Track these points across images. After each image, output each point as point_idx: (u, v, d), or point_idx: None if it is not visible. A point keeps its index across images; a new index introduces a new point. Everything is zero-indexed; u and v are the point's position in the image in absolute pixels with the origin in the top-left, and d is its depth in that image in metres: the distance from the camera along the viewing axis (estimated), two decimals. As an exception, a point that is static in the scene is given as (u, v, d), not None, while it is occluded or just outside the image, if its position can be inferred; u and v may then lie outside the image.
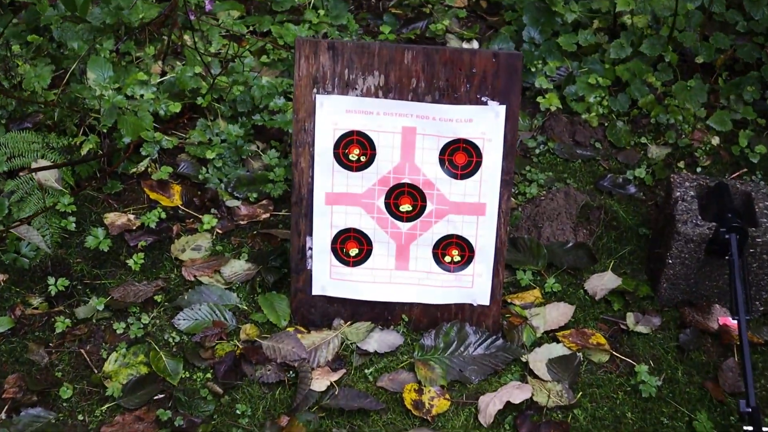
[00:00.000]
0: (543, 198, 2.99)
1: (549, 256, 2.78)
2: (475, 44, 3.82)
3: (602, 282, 2.70)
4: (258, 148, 3.18)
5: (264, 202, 3.01)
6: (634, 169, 3.17)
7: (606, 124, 3.37)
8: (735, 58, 3.63)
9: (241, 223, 2.92)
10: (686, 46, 3.57)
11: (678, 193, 2.65)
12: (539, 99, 3.37)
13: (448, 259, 2.50)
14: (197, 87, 3.20)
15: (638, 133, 3.34)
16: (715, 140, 3.28)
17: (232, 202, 2.98)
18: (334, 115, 2.40)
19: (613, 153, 3.27)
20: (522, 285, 2.71)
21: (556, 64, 3.55)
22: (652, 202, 3.04)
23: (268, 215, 2.95)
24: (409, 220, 2.47)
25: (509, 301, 2.65)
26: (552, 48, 3.60)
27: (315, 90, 2.39)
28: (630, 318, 2.59)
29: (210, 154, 3.06)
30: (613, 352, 2.50)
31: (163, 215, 2.83)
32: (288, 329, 2.53)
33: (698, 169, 3.17)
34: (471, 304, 2.54)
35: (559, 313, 2.59)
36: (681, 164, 3.19)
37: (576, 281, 2.74)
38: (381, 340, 2.51)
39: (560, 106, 3.38)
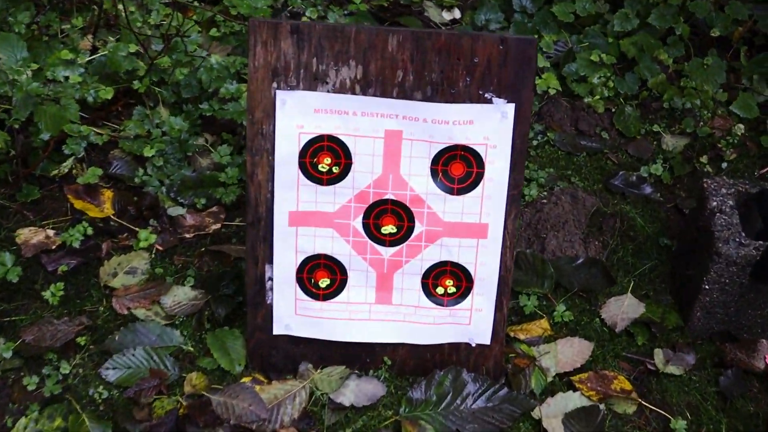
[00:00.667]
0: (545, 201, 2.52)
1: (556, 275, 2.33)
2: (456, 13, 3.32)
3: (622, 309, 2.25)
4: (207, 142, 2.68)
5: (214, 209, 2.51)
6: (648, 164, 2.71)
7: (613, 110, 2.91)
8: (755, 31, 3.18)
9: (187, 236, 2.42)
10: (699, 16, 3.11)
11: (714, 203, 2.20)
12: (535, 80, 2.89)
13: (440, 290, 2.03)
14: (133, 68, 2.68)
15: (650, 120, 2.89)
16: (740, 128, 2.83)
17: (175, 210, 2.48)
18: (299, 115, 1.90)
19: (623, 144, 2.81)
20: (526, 313, 2.26)
21: (553, 37, 3.07)
22: (672, 204, 2.59)
23: (219, 226, 2.46)
24: (392, 244, 2.00)
25: (512, 334, 2.19)
26: (547, 18, 3.12)
27: (275, 84, 1.89)
28: (658, 356, 2.15)
29: (149, 151, 2.55)
30: (642, 401, 2.05)
31: (90, 231, 2.32)
32: (244, 379, 2.05)
33: (724, 165, 2.72)
34: (468, 344, 2.08)
35: (573, 352, 2.14)
36: (704, 159, 2.74)
37: (590, 307, 2.29)
38: (359, 390, 2.05)
39: (559, 89, 2.91)
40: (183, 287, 2.24)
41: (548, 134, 2.78)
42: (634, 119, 2.85)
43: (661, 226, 2.50)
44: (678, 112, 2.90)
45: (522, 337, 2.19)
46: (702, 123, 2.85)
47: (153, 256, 2.34)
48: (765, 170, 2.72)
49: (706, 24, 3.17)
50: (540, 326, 2.22)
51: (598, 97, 2.90)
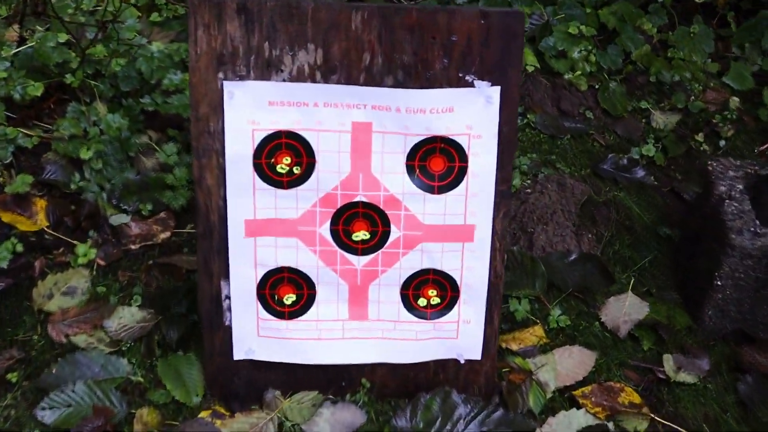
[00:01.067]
0: (530, 191, 2.28)
1: (548, 273, 2.09)
2: (421, -13, 3.05)
3: (624, 310, 2.01)
4: (151, 140, 2.40)
5: (162, 215, 2.24)
6: (639, 145, 2.48)
7: (597, 87, 2.67)
8: (742, -6, 2.96)
9: (132, 247, 2.15)
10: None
11: (722, 188, 1.96)
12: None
13: (422, 302, 1.78)
14: (65, 60, 2.39)
15: (636, 96, 2.65)
16: (734, 101, 2.61)
17: (118, 219, 2.20)
18: (251, 109, 1.64)
19: (609, 124, 2.58)
20: (518, 319, 2.02)
21: (527, 10, 2.82)
22: (668, 188, 2.36)
23: (168, 234, 2.19)
24: (365, 252, 1.74)
25: (503, 345, 1.95)
26: (519, -11, 2.87)
27: (221, 74, 1.62)
28: (668, 362, 1.92)
29: (85, 153, 2.27)
30: (654, 416, 1.82)
31: (20, 247, 2.04)
32: (202, 413, 1.79)
33: (722, 143, 2.49)
34: (456, 361, 1.83)
35: (574, 363, 1.90)
36: (699, 137, 2.51)
37: (587, 309, 2.06)
38: (334, 419, 1.79)
39: (537, 65, 2.67)
40: (129, 307, 1.97)
41: (528, 116, 2.54)
42: (620, 96, 2.62)
43: (658, 213, 2.27)
44: (666, 86, 2.67)
45: (515, 347, 1.95)
46: (693, 97, 2.63)
47: (94, 272, 2.07)
48: (765, 146, 2.50)
49: (689, -10, 2.95)
50: (534, 334, 1.98)
51: (579, 73, 2.66)
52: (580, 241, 2.19)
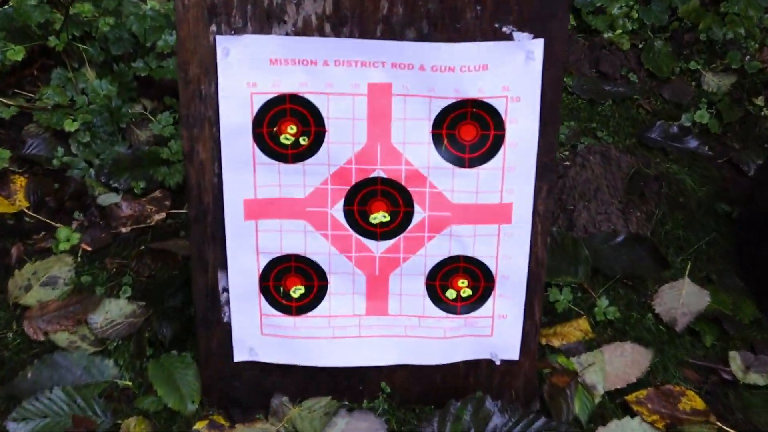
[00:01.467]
0: (569, 164, 2.02)
1: (592, 258, 1.83)
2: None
3: (681, 300, 1.76)
4: (145, 110, 2.15)
5: (157, 194, 2.00)
6: (691, 111, 2.21)
7: (640, 46, 2.40)
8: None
9: (123, 231, 1.91)
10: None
11: (795, 159, 1.70)
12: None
13: (451, 294, 1.54)
14: (47, 21, 2.15)
15: (684, 56, 2.38)
16: (796, 61, 2.33)
17: (107, 198, 1.97)
18: (249, 69, 1.39)
19: (655, 87, 2.31)
20: (558, 311, 1.77)
21: (561, -38, 2.54)
22: (725, 158, 2.10)
23: (163, 215, 1.95)
24: (385, 236, 1.49)
25: (543, 341, 1.70)
26: (552, -60, 2.59)
27: (213, 27, 1.37)
28: (735, 360, 1.66)
29: (71, 125, 2.03)
30: (722, 425, 1.57)
31: (-6, 232, 1.81)
32: (198, 424, 1.55)
33: (784, 107, 2.22)
34: (491, 362, 1.59)
35: (625, 362, 1.65)
36: (759, 101, 2.24)
37: (638, 298, 1.80)
38: (350, 429, 1.55)
39: (573, 23, 2.40)
40: (117, 300, 1.74)
41: (564, 79, 2.27)
42: (666, 56, 2.35)
43: (715, 187, 2.00)
44: (718, 44, 2.39)
45: (556, 344, 1.70)
46: (749, 57, 2.35)
47: (79, 259, 1.83)
48: (832, 111, 2.23)
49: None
50: (578, 328, 1.73)
51: (620, 31, 2.39)
52: (628, 221, 1.93)
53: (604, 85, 2.28)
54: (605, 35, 2.39)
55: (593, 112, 2.21)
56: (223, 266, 1.51)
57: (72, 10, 2.22)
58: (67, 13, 2.08)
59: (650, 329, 1.73)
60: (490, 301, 1.54)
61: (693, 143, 2.12)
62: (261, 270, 1.51)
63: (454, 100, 1.40)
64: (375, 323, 1.55)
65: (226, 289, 1.53)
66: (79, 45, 2.18)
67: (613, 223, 1.92)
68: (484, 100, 1.40)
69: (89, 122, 2.06)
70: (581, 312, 1.77)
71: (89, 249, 1.87)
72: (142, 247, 1.86)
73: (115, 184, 1.99)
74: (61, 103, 2.10)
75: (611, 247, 1.87)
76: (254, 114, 1.41)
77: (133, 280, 1.80)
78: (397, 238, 1.49)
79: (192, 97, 1.41)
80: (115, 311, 1.72)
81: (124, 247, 1.88)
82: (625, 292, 1.81)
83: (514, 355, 1.58)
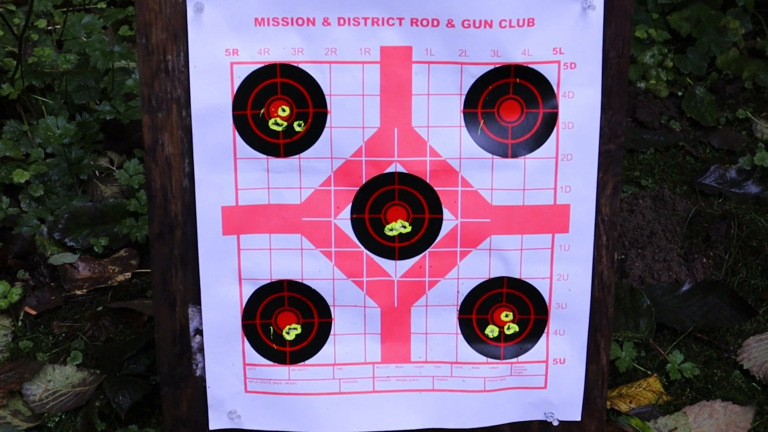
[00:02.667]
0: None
1: (656, 310, 1.48)
2: None
3: (773, 352, 1.40)
4: (111, 163, 1.84)
5: (122, 253, 1.66)
6: (747, 156, 1.91)
7: (680, 94, 2.12)
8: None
9: (78, 293, 1.56)
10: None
11: None
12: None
13: (492, 331, 1.18)
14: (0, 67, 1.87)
15: (729, 105, 2.10)
16: None
17: (60, 258, 1.62)
18: (228, 32, 1.08)
19: (700, 136, 2.01)
20: (621, 370, 1.40)
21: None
22: (796, 204, 1.78)
23: (128, 276, 1.60)
24: (406, 254, 1.15)
25: (608, 404, 1.33)
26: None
27: (181, -23, 1.08)
28: None
29: (21, 176, 1.71)
30: None
31: None
32: None
33: None
34: (546, 424, 1.21)
35: (719, 425, 1.28)
36: (823, 143, 1.94)
37: (717, 354, 1.45)
38: None
39: (602, 73, 2.12)
40: (63, 367, 1.37)
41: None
42: (709, 104, 2.06)
43: (790, 232, 1.68)
44: (767, 91, 2.12)
45: (623, 407, 1.33)
46: (804, 102, 2.07)
47: (20, 323, 1.48)
48: None
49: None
50: (649, 388, 1.36)
51: (653, 81, 2.12)
52: (692, 268, 1.59)
53: (643, 134, 1.99)
54: (639, 85, 2.12)
55: (634, 161, 1.91)
56: (196, 300, 1.16)
57: (31, 58, 1.94)
58: (19, 56, 1.79)
59: (741, 387, 1.37)
60: (542, 339, 1.19)
61: (755, 188, 1.81)
62: (245, 303, 1.16)
63: (492, 67, 1.09)
64: (394, 374, 1.19)
65: (199, 331, 1.17)
66: (38, 97, 1.89)
67: (674, 271, 1.58)
68: (531, 65, 1.09)
69: (44, 174, 1.74)
70: (648, 372, 1.40)
71: (33, 313, 1.51)
72: (100, 308, 1.51)
73: (72, 243, 1.65)
74: (14, 155, 1.79)
75: (678, 297, 1.53)
76: (235, 91, 1.09)
77: (86, 345, 1.44)
78: (421, 255, 1.15)
79: (155, 71, 1.10)
80: (59, 380, 1.35)
81: (78, 309, 1.52)
82: (701, 347, 1.46)
83: (576, 414, 1.21)
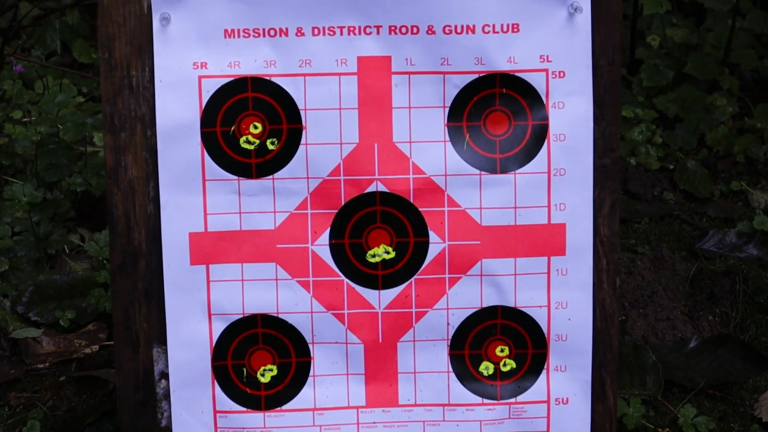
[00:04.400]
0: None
1: (663, 368, 1.38)
2: None
3: (792, 404, 1.29)
4: (83, 240, 1.76)
5: (90, 327, 1.56)
6: (744, 221, 1.84)
7: (671, 167, 2.07)
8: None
9: (39, 366, 1.45)
10: (746, 69, 2.40)
11: None
12: None
13: (487, 369, 1.08)
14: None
15: (722, 178, 2.05)
16: None
17: (23, 333, 1.52)
18: (197, 44, 1.02)
19: (696, 207, 1.95)
20: (629, 428, 1.29)
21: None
22: (798, 267, 1.70)
23: (96, 348, 1.50)
24: (390, 283, 1.06)
25: (617, 461, 1.21)
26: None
27: (147, -13, 1.02)
28: None
29: (-16, 251, 1.63)
30: None
31: None
32: None
33: None
34: (550, 473, 1.10)
35: (740, 475, 1.16)
36: (823, 206, 1.88)
37: (732, 409, 1.34)
38: None
39: (590, 150, 2.07)
40: (18, 436, 1.25)
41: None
42: (701, 177, 2.01)
43: (797, 290, 1.59)
44: (760, 163, 2.07)
45: (635, 463, 1.21)
46: (799, 172, 2.02)
47: (-27, 395, 1.36)
48: None
49: (754, 78, 2.43)
50: (661, 443, 1.25)
51: (643, 156, 2.08)
52: (698, 326, 1.50)
53: (636, 205, 1.93)
54: (629, 160, 2.07)
55: (629, 230, 1.84)
56: (161, 339, 1.06)
57: (2, 139, 1.89)
58: (-7, 126, 1.74)
59: (760, 441, 1.25)
60: (542, 377, 1.08)
61: (756, 251, 1.73)
62: (215, 341, 1.06)
63: (476, 76, 1.03)
64: (380, 419, 1.08)
65: (164, 375, 1.07)
66: (9, 178, 1.82)
67: (679, 330, 1.49)
68: (518, 74, 1.03)
69: (10, 249, 1.65)
70: (658, 429, 1.29)
71: (-9, 385, 1.40)
72: (62, 378, 1.39)
73: (36, 317, 1.55)
74: (-22, 234, 1.70)
75: (685, 354, 1.42)
76: (203, 107, 1.03)
77: (45, 415, 1.32)
78: (407, 283, 1.06)
79: (118, 88, 1.03)
80: (13, 449, 1.23)
81: (38, 381, 1.41)
82: (713, 404, 1.35)
83: (583, 462, 1.09)
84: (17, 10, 2.11)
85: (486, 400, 1.08)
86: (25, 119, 2.11)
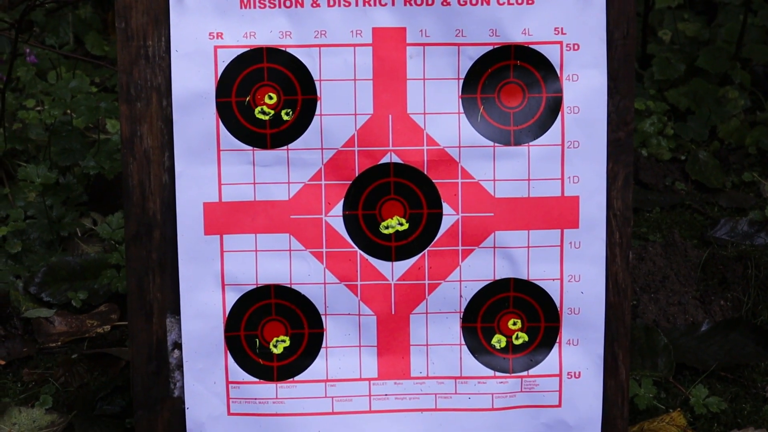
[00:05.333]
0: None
1: (674, 351, 1.38)
2: None
3: (805, 385, 1.29)
4: (95, 224, 1.76)
5: (102, 308, 1.56)
6: (756, 210, 1.84)
7: (683, 158, 2.07)
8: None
9: (52, 345, 1.46)
10: (759, 63, 2.39)
11: None
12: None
13: (499, 342, 1.08)
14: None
15: (734, 169, 2.04)
16: None
17: (35, 312, 1.52)
18: (213, 15, 1.03)
19: (707, 197, 1.95)
20: (640, 408, 1.29)
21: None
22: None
23: (108, 328, 1.50)
24: (403, 254, 1.06)
25: (629, 440, 1.21)
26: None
27: (164, -43, 1.03)
28: None
29: (-2, 232, 1.63)
30: None
31: None
32: None
33: None
34: (562, 447, 1.10)
35: (753, 453, 1.16)
36: (836, 196, 1.87)
37: (744, 391, 1.33)
38: None
39: (602, 141, 2.07)
40: (30, 410, 1.26)
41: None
42: (713, 168, 2.01)
43: (810, 276, 1.58)
44: (772, 156, 2.07)
45: (647, 442, 1.21)
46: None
47: (-13, 371, 1.37)
48: None
49: (766, 73, 2.43)
50: (673, 423, 1.24)
51: (655, 147, 2.08)
52: (710, 311, 1.49)
53: (648, 195, 1.92)
54: (641, 151, 2.07)
55: (640, 219, 1.84)
56: (174, 309, 1.06)
57: (16, 124, 1.90)
58: (2, 115, 1.74)
59: (772, 421, 1.25)
60: (555, 350, 1.08)
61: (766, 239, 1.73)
62: (228, 312, 1.06)
63: (490, 48, 1.03)
64: (392, 391, 1.08)
65: (177, 345, 1.07)
66: (21, 163, 1.83)
67: (690, 314, 1.49)
68: (532, 46, 1.03)
69: (22, 231, 1.66)
70: (668, 408, 1.29)
71: (2, 362, 1.40)
72: (74, 355, 1.40)
73: (48, 298, 1.55)
74: (-8, 216, 1.71)
75: (697, 338, 1.42)
76: (219, 77, 1.03)
77: (57, 390, 1.32)
78: (420, 255, 1.06)
79: (135, 58, 1.04)
80: (24, 423, 1.23)
81: (50, 359, 1.41)
82: (725, 386, 1.34)
83: (595, 435, 1.09)
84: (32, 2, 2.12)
85: (498, 373, 1.08)
86: (38, 108, 2.13)
